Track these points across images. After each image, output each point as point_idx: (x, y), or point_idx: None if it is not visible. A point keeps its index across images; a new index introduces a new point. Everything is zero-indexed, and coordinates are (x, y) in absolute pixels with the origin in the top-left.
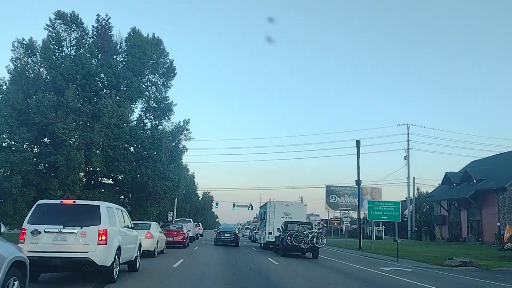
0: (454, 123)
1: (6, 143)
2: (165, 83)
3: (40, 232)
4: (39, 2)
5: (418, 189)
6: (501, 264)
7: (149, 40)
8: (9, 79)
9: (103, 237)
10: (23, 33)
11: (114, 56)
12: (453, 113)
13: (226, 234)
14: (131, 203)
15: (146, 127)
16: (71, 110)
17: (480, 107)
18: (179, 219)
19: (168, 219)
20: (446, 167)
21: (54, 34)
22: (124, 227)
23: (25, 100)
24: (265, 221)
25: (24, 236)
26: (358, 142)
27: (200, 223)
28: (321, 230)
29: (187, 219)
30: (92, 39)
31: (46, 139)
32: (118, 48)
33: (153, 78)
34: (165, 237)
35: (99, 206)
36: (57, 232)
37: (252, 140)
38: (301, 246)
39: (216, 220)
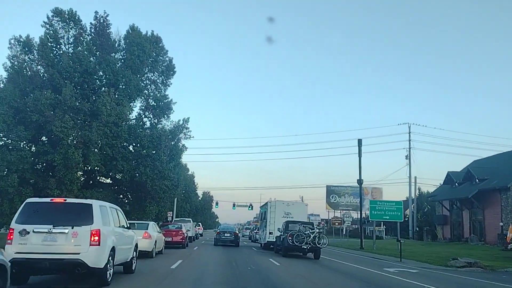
0: (454, 123)
1: (2, 142)
2: (165, 81)
3: (28, 232)
4: None
5: (419, 189)
6: (506, 264)
7: (148, 38)
8: (6, 77)
9: (96, 238)
10: (20, 31)
11: (113, 54)
12: (453, 112)
13: (226, 234)
14: (130, 202)
15: (145, 126)
16: (68, 108)
17: (481, 107)
18: (178, 219)
19: (168, 219)
20: (447, 167)
21: (51, 32)
22: (119, 227)
23: (22, 98)
24: (265, 221)
25: (12, 237)
26: (359, 141)
27: (200, 223)
28: (321, 230)
29: (186, 219)
30: (90, 37)
31: (44, 138)
32: (116, 45)
33: (152, 76)
34: (164, 237)
35: (91, 204)
36: (46, 232)
37: (252, 140)
38: (303, 247)
39: (216, 220)
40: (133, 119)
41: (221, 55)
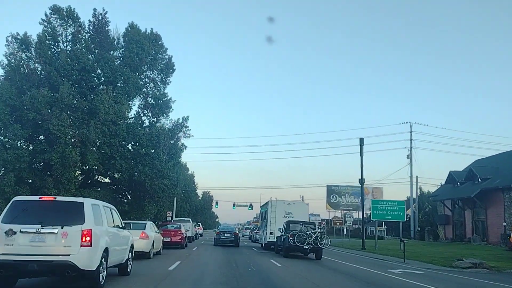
0: (454, 123)
1: None
2: (164, 80)
3: (15, 232)
4: None
5: (420, 189)
6: (511, 265)
7: (147, 35)
8: (3, 74)
9: (87, 238)
10: (18, 28)
11: (111, 52)
12: (453, 112)
13: (226, 234)
14: (129, 202)
15: (144, 125)
16: (66, 106)
17: (481, 107)
18: (177, 218)
19: (167, 219)
20: (448, 166)
21: (49, 29)
22: (114, 226)
23: (19, 96)
24: (266, 221)
25: None
26: (361, 140)
27: (199, 223)
28: (323, 231)
29: (186, 218)
30: (89, 34)
31: (41, 136)
32: (115, 43)
33: (151, 74)
34: (162, 238)
35: (82, 203)
36: (34, 233)
37: (252, 140)
38: (304, 247)
39: (216, 220)
40: (132, 117)
41: (221, 55)
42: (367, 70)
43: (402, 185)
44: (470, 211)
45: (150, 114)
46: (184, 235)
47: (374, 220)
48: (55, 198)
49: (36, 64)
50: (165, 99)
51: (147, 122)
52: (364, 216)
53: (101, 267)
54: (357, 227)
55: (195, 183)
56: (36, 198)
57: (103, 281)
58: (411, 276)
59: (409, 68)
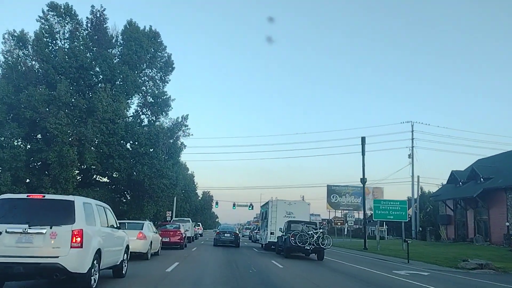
0: (455, 123)
1: None
2: (163, 78)
3: (0, 233)
4: None
5: (421, 189)
6: None
7: (146, 33)
8: (0, 72)
9: (78, 239)
10: (15, 25)
11: (110, 50)
12: (453, 112)
13: (226, 234)
14: (128, 202)
15: (143, 123)
16: (63, 104)
17: (481, 106)
18: (177, 218)
19: (167, 219)
20: (449, 166)
21: (47, 27)
22: (108, 226)
23: (16, 94)
24: (266, 221)
25: None
26: (363, 139)
27: (199, 223)
28: (324, 231)
29: (185, 218)
30: (86, 32)
31: (38, 135)
32: (113, 41)
33: (150, 72)
34: (161, 238)
35: (73, 201)
36: (21, 233)
37: (252, 140)
38: (306, 247)
39: (216, 220)
40: (131, 116)
41: (221, 55)
42: (367, 70)
43: (403, 185)
44: (473, 211)
45: (149, 113)
46: (183, 235)
47: (376, 220)
48: (44, 196)
49: (34, 62)
50: (164, 97)
51: (146, 121)
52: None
53: (93, 270)
54: (358, 227)
55: (195, 183)
56: (24, 196)
57: (95, 284)
58: (417, 277)
59: (409, 68)
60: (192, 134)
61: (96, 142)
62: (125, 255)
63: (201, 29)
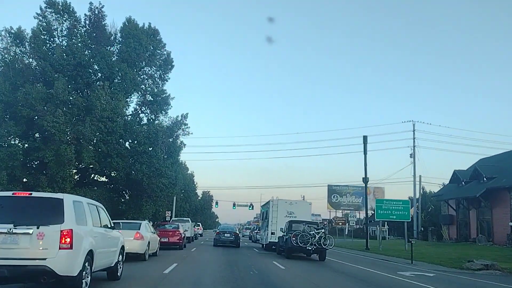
0: (455, 123)
1: None
2: (162, 76)
3: None
4: None
5: (423, 188)
6: None
7: (145, 30)
8: None
9: (67, 239)
10: (11, 22)
11: (108, 47)
12: (453, 112)
13: (226, 234)
14: (126, 201)
15: (142, 122)
16: (61, 102)
17: (482, 106)
18: (176, 218)
19: (166, 219)
20: (450, 166)
21: (44, 24)
22: (101, 226)
23: (13, 92)
24: (267, 221)
25: None
26: (365, 138)
27: (199, 223)
28: (325, 231)
29: (185, 218)
30: (85, 29)
31: (35, 134)
32: (112, 38)
33: (149, 70)
34: (159, 238)
35: (62, 199)
36: (6, 233)
37: (252, 139)
38: (307, 248)
39: (216, 220)
40: (129, 114)
41: (221, 55)
42: (367, 70)
43: (404, 185)
44: (475, 210)
45: (148, 111)
46: (183, 235)
47: (378, 220)
48: (31, 193)
49: (31, 59)
50: (163, 95)
51: (145, 119)
52: (367, 215)
53: (84, 272)
54: (358, 227)
55: (195, 183)
56: (9, 193)
57: (86, 287)
58: (423, 279)
59: (409, 68)
60: (191, 133)
61: (94, 141)
62: (120, 256)
63: (201, 29)
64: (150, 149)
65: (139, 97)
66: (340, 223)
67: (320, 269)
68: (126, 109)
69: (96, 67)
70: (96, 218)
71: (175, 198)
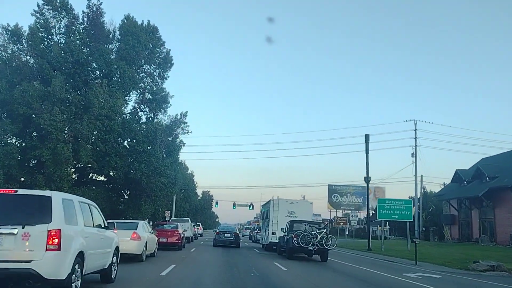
0: (455, 123)
1: None
2: (161, 74)
3: None
4: None
5: (424, 188)
6: None
7: (144, 28)
8: None
9: (55, 240)
10: (8, 19)
11: (107, 45)
12: (453, 112)
13: (226, 235)
14: (125, 201)
15: (141, 120)
16: (58, 100)
17: (482, 106)
18: (176, 218)
19: (166, 219)
20: (451, 165)
21: (42, 21)
22: (93, 226)
23: (9, 90)
24: (267, 221)
25: None
26: (367, 137)
27: (199, 223)
28: (327, 231)
29: (184, 218)
30: (83, 26)
31: (33, 132)
32: (111, 36)
33: (148, 68)
34: (157, 238)
35: (50, 197)
36: None
37: (252, 139)
38: (309, 248)
39: (216, 220)
40: (128, 113)
41: (221, 55)
42: (367, 70)
43: (405, 185)
44: (477, 210)
45: (147, 110)
46: (182, 235)
47: (380, 219)
48: (16, 191)
49: (28, 57)
50: (163, 94)
51: (144, 118)
52: (369, 215)
53: (73, 275)
54: (359, 227)
55: (195, 183)
56: None
57: None
58: (430, 281)
59: (409, 68)
60: (191, 132)
61: (93, 140)
62: (115, 257)
63: (201, 29)
64: (149, 148)
65: (138, 95)
66: (341, 223)
67: (323, 270)
68: (125, 108)
69: (94, 65)
70: (88, 217)
71: (174, 197)
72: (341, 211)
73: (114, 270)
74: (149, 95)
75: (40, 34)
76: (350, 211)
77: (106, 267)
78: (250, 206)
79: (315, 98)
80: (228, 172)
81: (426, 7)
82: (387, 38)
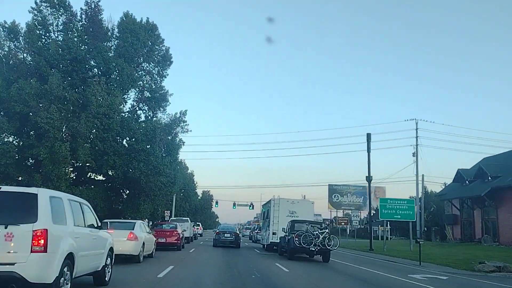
0: (455, 123)
1: None
2: (161, 72)
3: None
4: None
5: (425, 188)
6: None
7: (143, 25)
8: None
9: (41, 241)
10: (5, 16)
11: (105, 43)
12: (454, 112)
13: (226, 235)
14: (123, 200)
15: (140, 119)
16: (55, 98)
17: (482, 106)
18: (175, 218)
19: (165, 218)
20: (451, 165)
21: (39, 18)
22: (85, 226)
23: (6, 88)
24: (268, 220)
25: None
26: (368, 136)
27: (199, 223)
28: (329, 231)
29: (184, 218)
30: (81, 23)
31: (30, 130)
32: (109, 34)
33: (147, 66)
34: (155, 238)
35: (36, 194)
36: None
37: (253, 138)
38: (311, 249)
39: (216, 220)
40: (127, 111)
41: (221, 55)
42: (367, 70)
43: (406, 184)
44: (480, 210)
45: (146, 108)
46: (181, 235)
47: (382, 219)
48: (0, 188)
49: (25, 54)
50: (162, 92)
51: (142, 116)
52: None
53: (62, 279)
54: (360, 227)
55: (195, 182)
56: None
57: None
58: (437, 283)
59: (409, 68)
60: (190, 130)
61: (91, 138)
62: (109, 259)
63: (201, 29)
64: (148, 146)
65: (137, 93)
66: (343, 223)
67: (326, 272)
68: (123, 106)
69: (92, 62)
70: (79, 216)
71: (174, 197)
72: (341, 211)
73: (108, 272)
74: (148, 93)
75: (38, 32)
76: (350, 211)
77: (99, 269)
78: (250, 206)
79: (315, 98)
80: (228, 172)
81: (426, 7)
82: (387, 38)
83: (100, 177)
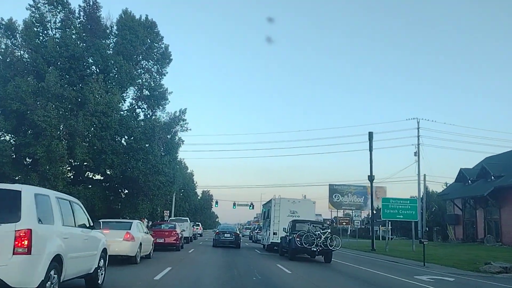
0: (455, 123)
1: None
2: (160, 70)
3: None
4: None
5: (426, 188)
6: None
7: (142, 23)
8: None
9: (24, 242)
10: (2, 13)
11: (103, 40)
12: (454, 112)
13: (226, 235)
14: (121, 200)
15: (139, 117)
16: (52, 96)
17: (482, 106)
18: (174, 218)
19: (165, 218)
20: (453, 165)
21: (37, 15)
22: (76, 226)
23: (2, 85)
24: (269, 220)
25: None
26: (370, 134)
27: (199, 223)
28: (331, 231)
29: (183, 218)
30: (79, 20)
31: (26, 129)
32: (108, 31)
33: (146, 64)
34: (153, 239)
35: (19, 191)
36: None
37: (253, 138)
38: (312, 249)
39: (216, 220)
40: (125, 110)
41: (221, 55)
42: (367, 70)
43: (407, 184)
44: (483, 210)
45: (145, 107)
46: (180, 235)
47: (384, 219)
48: None
49: (22, 52)
50: (161, 90)
51: (141, 115)
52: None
53: (48, 283)
54: (361, 227)
55: (195, 182)
56: None
57: None
58: (445, 285)
59: (409, 68)
60: (190, 129)
61: (89, 137)
62: (102, 260)
63: (201, 29)
64: (146, 145)
65: (136, 91)
66: (344, 223)
67: (329, 273)
68: (122, 104)
69: (90, 60)
70: (68, 215)
71: (174, 197)
72: (342, 211)
73: (102, 274)
74: (147, 92)
75: (35, 29)
76: (351, 211)
77: (91, 271)
78: (250, 206)
79: (315, 98)
80: (228, 172)
81: (426, 7)
82: (387, 38)
83: (98, 177)
